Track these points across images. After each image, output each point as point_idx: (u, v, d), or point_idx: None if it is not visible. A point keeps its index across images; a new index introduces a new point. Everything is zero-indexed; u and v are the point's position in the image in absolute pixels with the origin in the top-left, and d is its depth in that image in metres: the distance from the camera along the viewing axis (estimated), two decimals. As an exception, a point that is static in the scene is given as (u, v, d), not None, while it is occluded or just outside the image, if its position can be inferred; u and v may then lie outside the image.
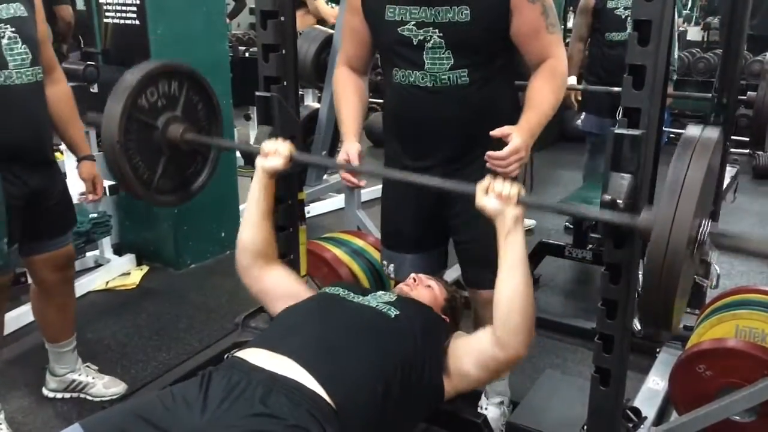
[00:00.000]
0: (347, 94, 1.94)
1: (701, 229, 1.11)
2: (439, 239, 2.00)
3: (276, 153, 1.68)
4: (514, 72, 1.89)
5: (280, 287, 1.71)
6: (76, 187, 2.47)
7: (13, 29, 1.96)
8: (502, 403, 2.09)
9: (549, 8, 1.72)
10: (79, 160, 2.29)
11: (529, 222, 4.15)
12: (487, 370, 1.53)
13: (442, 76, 1.74)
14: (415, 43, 1.73)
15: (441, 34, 1.70)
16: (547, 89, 1.73)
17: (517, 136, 1.62)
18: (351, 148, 1.82)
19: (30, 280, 2.33)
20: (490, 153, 1.61)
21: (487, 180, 1.45)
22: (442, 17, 1.68)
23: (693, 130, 1.14)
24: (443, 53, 1.72)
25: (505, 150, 1.60)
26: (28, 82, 1.99)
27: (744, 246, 1.13)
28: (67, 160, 3.05)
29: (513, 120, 1.70)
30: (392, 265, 2.06)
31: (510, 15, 1.69)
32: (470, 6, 1.66)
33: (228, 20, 5.95)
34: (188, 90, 1.81)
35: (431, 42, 1.71)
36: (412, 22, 1.71)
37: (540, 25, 1.71)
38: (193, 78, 1.84)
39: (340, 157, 1.97)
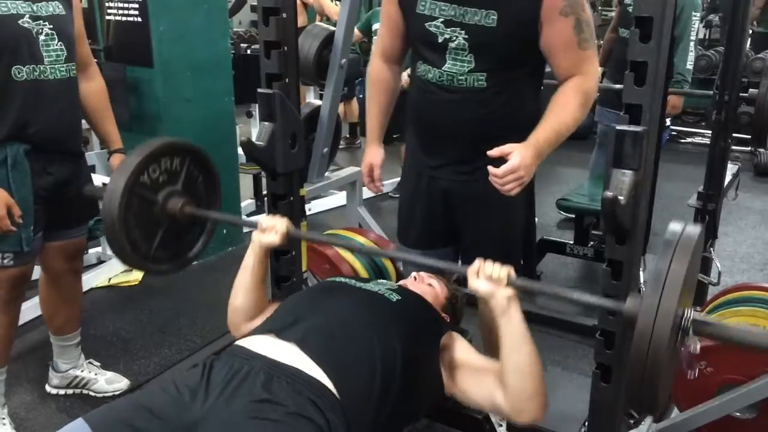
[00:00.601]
0: (376, 93, 2.02)
1: (685, 318, 1.16)
2: (447, 238, 1.99)
3: (273, 230, 1.68)
4: (539, 81, 1.84)
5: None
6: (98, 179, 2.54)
7: (51, 26, 2.03)
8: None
9: (584, 23, 1.65)
10: (110, 153, 2.37)
11: None
12: (498, 415, 1.54)
13: (460, 78, 1.73)
14: (439, 41, 1.72)
15: (466, 36, 1.68)
16: (566, 107, 1.67)
17: (517, 155, 1.55)
18: (375, 158, 2.02)
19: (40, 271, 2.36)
20: (490, 168, 1.57)
21: (477, 263, 1.43)
22: (469, 19, 1.66)
23: (675, 227, 1.20)
24: (465, 55, 1.70)
25: (502, 168, 1.55)
26: (61, 78, 2.07)
27: (724, 333, 1.19)
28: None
29: (529, 131, 1.64)
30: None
31: (539, 25, 1.64)
32: (498, 11, 1.63)
33: (229, 17, 5.93)
34: (190, 165, 1.85)
35: (455, 42, 1.70)
36: (441, 19, 1.70)
37: (571, 39, 1.64)
38: (195, 153, 1.87)
39: (364, 166, 2.06)
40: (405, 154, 2.06)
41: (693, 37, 3.16)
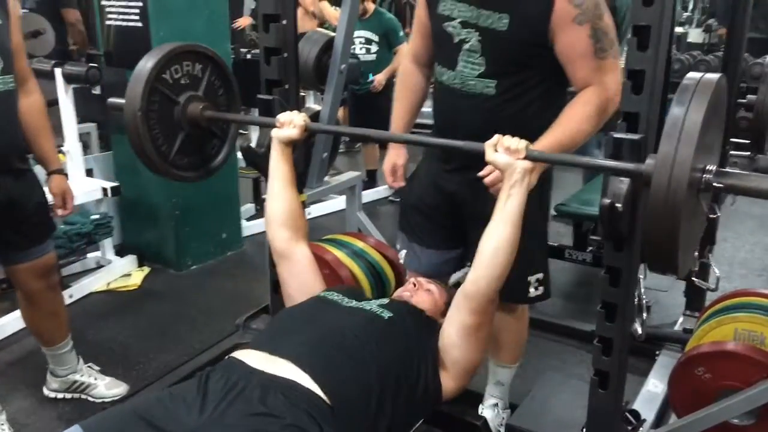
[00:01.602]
0: (403, 94, 2.05)
1: (705, 171, 1.09)
2: (454, 241, 1.98)
3: (291, 123, 1.71)
4: (557, 91, 1.79)
5: (305, 276, 1.73)
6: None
7: None
8: (496, 405, 2.09)
9: (602, 31, 1.60)
10: (48, 174, 2.25)
11: None
12: (464, 328, 1.51)
13: (470, 82, 1.74)
14: (455, 41, 1.74)
15: (479, 38, 1.69)
16: (573, 118, 1.65)
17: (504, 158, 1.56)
18: (399, 158, 2.06)
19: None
20: (484, 178, 1.60)
21: (495, 137, 1.46)
22: (483, 21, 1.68)
23: (693, 75, 1.13)
24: (477, 58, 1.72)
25: (492, 176, 1.58)
26: None
27: (749, 185, 1.12)
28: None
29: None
30: (404, 251, 2.07)
31: (551, 32, 1.62)
32: (510, 15, 1.64)
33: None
34: (211, 74, 1.88)
35: (469, 44, 1.71)
36: (458, 20, 1.72)
37: (586, 49, 1.61)
38: (217, 63, 1.91)
39: (387, 165, 2.09)
40: (424, 152, 2.08)
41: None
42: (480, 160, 1.72)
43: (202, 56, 1.86)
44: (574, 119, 1.65)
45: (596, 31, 1.60)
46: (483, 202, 1.75)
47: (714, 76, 1.14)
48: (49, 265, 2.24)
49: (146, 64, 1.73)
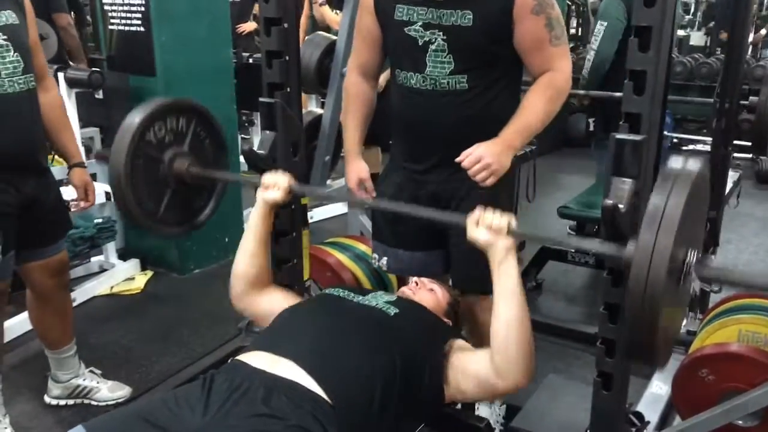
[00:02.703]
0: (354, 108, 2.03)
1: (687, 260, 1.09)
2: (437, 241, 1.98)
3: (275, 186, 1.70)
4: (518, 81, 1.90)
5: (275, 311, 1.69)
6: (70, 193, 2.47)
7: (5, 37, 1.95)
8: (493, 402, 2.10)
9: (555, 20, 1.72)
10: (70, 167, 2.29)
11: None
12: (486, 394, 1.55)
13: (442, 81, 1.76)
14: (420, 44, 1.75)
15: (445, 37, 1.72)
16: (537, 101, 1.75)
17: (482, 147, 1.67)
18: (361, 171, 2.02)
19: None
20: (461, 161, 1.68)
21: (477, 212, 1.45)
22: (446, 20, 1.70)
23: (675, 162, 1.14)
24: (445, 57, 1.74)
25: (467, 159, 1.67)
26: (20, 90, 1.99)
27: (728, 277, 1.13)
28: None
29: None
30: (385, 258, 2.07)
31: (512, 24, 1.70)
32: (473, 11, 1.68)
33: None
34: (196, 126, 1.87)
35: (435, 44, 1.74)
36: (419, 23, 1.74)
37: (543, 37, 1.72)
38: (201, 114, 1.90)
39: (352, 180, 2.05)
40: (389, 160, 2.07)
41: (594, 46, 3.19)
42: (453, 154, 1.77)
43: (186, 110, 1.85)
44: (539, 102, 1.75)
45: (550, 20, 1.71)
46: (466, 196, 1.83)
47: (695, 167, 1.13)
48: (62, 263, 2.28)
49: (130, 123, 1.72)
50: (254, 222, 1.74)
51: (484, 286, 1.64)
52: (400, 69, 1.85)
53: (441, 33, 1.72)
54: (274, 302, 1.72)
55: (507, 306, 1.44)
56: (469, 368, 1.51)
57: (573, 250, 3.44)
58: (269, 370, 1.36)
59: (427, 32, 1.74)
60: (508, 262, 1.43)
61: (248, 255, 1.74)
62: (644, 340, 1.09)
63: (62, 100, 2.25)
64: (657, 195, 1.08)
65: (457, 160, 1.68)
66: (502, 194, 1.81)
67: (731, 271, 1.13)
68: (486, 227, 1.43)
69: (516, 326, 1.43)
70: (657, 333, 1.08)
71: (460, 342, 1.64)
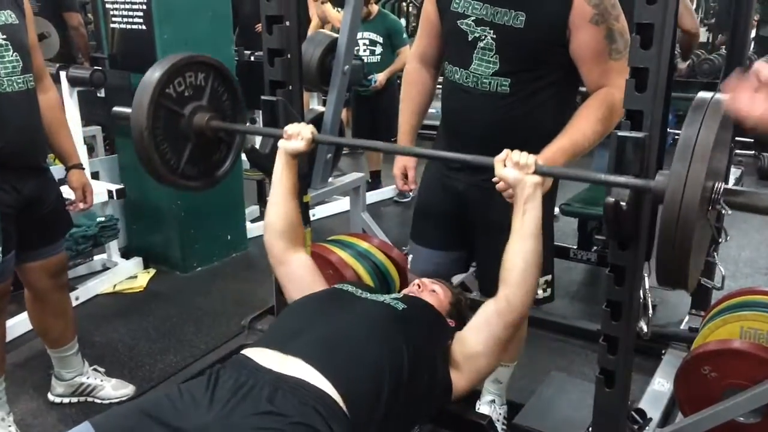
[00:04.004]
0: (411, 95, 2.02)
1: (714, 190, 1.12)
2: (460, 243, 1.98)
3: (299, 135, 1.70)
4: (570, 90, 1.81)
5: (303, 281, 1.71)
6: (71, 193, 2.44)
7: (4, 36, 1.95)
8: (493, 401, 2.10)
9: (618, 32, 1.61)
10: (68, 169, 2.27)
11: None
12: (494, 340, 1.50)
13: (484, 80, 1.73)
14: (469, 39, 1.73)
15: (494, 36, 1.69)
16: (587, 119, 1.65)
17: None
18: (408, 160, 2.03)
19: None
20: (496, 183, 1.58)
21: (504, 152, 1.45)
22: (499, 18, 1.67)
23: (704, 95, 1.16)
24: (492, 56, 1.71)
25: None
26: (19, 90, 1.98)
27: (757, 203, 1.15)
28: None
29: (551, 140, 1.64)
30: (410, 255, 2.09)
31: (568, 31, 1.63)
32: (527, 13, 1.64)
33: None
34: (214, 81, 1.90)
35: (484, 42, 1.71)
36: (472, 17, 1.71)
37: (602, 49, 1.62)
38: (219, 70, 1.92)
39: (397, 168, 2.07)
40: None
41: None
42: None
43: (203, 65, 1.88)
44: (588, 120, 1.66)
45: (612, 32, 1.61)
46: (492, 205, 1.75)
47: (723, 99, 1.16)
48: (61, 263, 2.27)
49: (150, 78, 1.75)
50: (279, 174, 1.74)
51: None
52: (449, 62, 1.83)
53: (491, 31, 1.69)
54: (304, 273, 1.72)
55: (527, 244, 1.45)
56: (475, 322, 1.53)
57: (574, 252, 3.44)
58: (276, 369, 1.36)
59: (479, 28, 1.70)
60: (536, 199, 1.44)
61: (276, 204, 1.73)
62: (677, 264, 1.12)
63: (60, 101, 2.24)
64: (689, 126, 1.11)
65: (494, 180, 1.56)
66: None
67: (760, 196, 1.15)
68: (513, 165, 1.44)
69: (534, 263, 1.46)
70: (689, 257, 1.11)
71: (458, 335, 1.63)
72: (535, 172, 1.43)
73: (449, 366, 1.55)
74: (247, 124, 5.13)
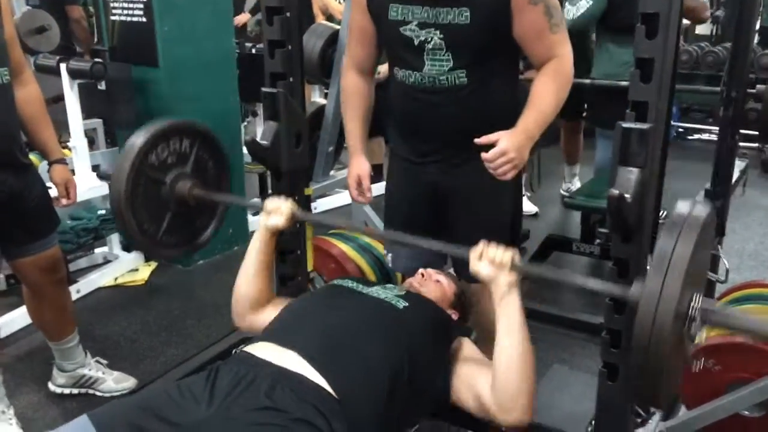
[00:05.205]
0: (354, 106, 2.01)
1: (692, 305, 1.10)
2: (436, 231, 1.98)
3: (278, 211, 1.69)
4: (516, 71, 1.90)
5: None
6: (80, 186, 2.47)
7: None
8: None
9: (553, 7, 1.70)
10: (50, 164, 2.23)
11: (532, 208, 4.23)
12: (484, 416, 1.48)
13: (441, 78, 1.75)
14: (416, 44, 1.73)
15: (441, 36, 1.70)
16: (548, 90, 1.72)
17: (505, 140, 1.62)
18: (362, 169, 1.99)
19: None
20: (483, 154, 1.62)
21: (480, 246, 1.44)
22: (442, 18, 1.68)
23: (682, 207, 1.16)
24: (443, 54, 1.72)
25: (491, 152, 1.62)
26: None
27: (734, 322, 1.13)
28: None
29: (513, 119, 1.70)
30: (390, 254, 2.10)
31: (511, 17, 1.68)
32: (470, 8, 1.66)
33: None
34: (199, 147, 1.85)
35: (432, 43, 1.72)
36: (414, 22, 1.71)
37: (543, 25, 1.69)
38: (206, 136, 1.87)
39: (351, 178, 2.04)
40: (390, 152, 2.07)
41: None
42: (453, 146, 1.78)
43: (189, 131, 1.83)
44: (550, 90, 1.73)
45: (549, 8, 1.69)
46: (464, 184, 1.83)
47: (703, 212, 1.15)
48: (53, 259, 2.23)
49: (133, 143, 1.70)
50: (256, 247, 1.73)
51: None
52: (399, 67, 1.83)
53: (437, 32, 1.70)
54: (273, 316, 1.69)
55: (509, 341, 1.40)
56: (474, 386, 1.48)
57: (577, 245, 3.43)
58: (275, 361, 1.35)
59: (423, 31, 1.71)
60: (511, 297, 1.40)
61: (250, 278, 1.71)
62: (650, 387, 1.11)
63: (41, 95, 2.18)
64: (665, 239, 1.10)
65: (478, 141, 1.64)
66: (505, 192, 1.79)
67: (737, 317, 1.13)
68: (489, 261, 1.41)
69: (517, 364, 1.39)
70: (663, 380, 1.10)
71: (466, 344, 1.61)
72: (512, 268, 1.40)
73: (453, 370, 1.52)
74: (249, 118, 5.15)
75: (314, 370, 1.34)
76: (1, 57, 1.97)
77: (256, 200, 1.79)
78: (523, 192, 2.37)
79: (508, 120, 1.70)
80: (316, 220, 1.84)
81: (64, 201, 2.28)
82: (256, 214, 4.15)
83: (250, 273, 1.72)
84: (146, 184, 1.72)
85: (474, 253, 1.43)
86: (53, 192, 2.27)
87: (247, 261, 1.73)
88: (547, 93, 1.73)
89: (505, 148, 1.62)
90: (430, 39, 1.71)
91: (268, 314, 1.67)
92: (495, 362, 1.42)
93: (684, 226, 1.11)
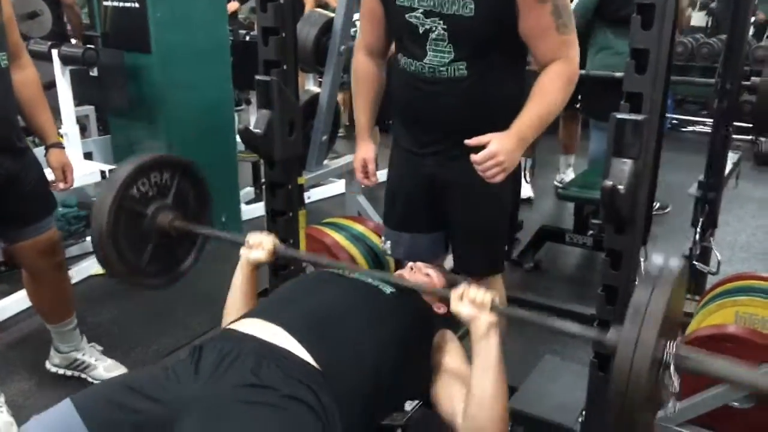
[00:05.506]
0: (364, 89, 2.02)
1: (666, 351, 1.16)
2: (433, 223, 2.00)
3: (260, 246, 1.71)
4: (521, 67, 1.86)
5: None
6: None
7: None
8: None
9: (562, 7, 1.66)
10: (47, 148, 2.24)
11: (528, 193, 4.26)
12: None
13: (441, 69, 1.74)
14: (420, 32, 1.72)
15: (445, 26, 1.68)
16: (548, 92, 1.69)
17: (496, 142, 1.60)
18: (368, 153, 2.03)
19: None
20: (471, 156, 1.61)
21: (461, 287, 1.44)
22: (447, 9, 1.67)
23: (657, 259, 1.22)
24: (445, 46, 1.71)
25: (480, 154, 1.60)
26: None
27: (707, 368, 1.19)
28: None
29: (513, 115, 1.68)
30: (389, 242, 2.09)
31: (516, 12, 1.65)
32: (475, 1, 1.64)
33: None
34: (180, 180, 1.87)
35: (435, 33, 1.70)
36: (420, 10, 1.70)
37: (549, 25, 1.65)
38: (186, 168, 1.89)
39: (357, 161, 2.05)
40: (392, 142, 2.06)
41: None
42: (451, 139, 1.77)
43: (170, 165, 1.85)
44: (550, 92, 1.69)
45: (558, 7, 1.64)
46: (462, 185, 1.82)
47: (677, 265, 1.22)
48: (51, 242, 2.23)
49: (115, 178, 1.73)
50: (239, 281, 1.75)
51: (483, 269, 1.62)
52: (402, 54, 1.83)
53: (441, 22, 1.68)
54: None
55: (484, 380, 1.39)
56: (450, 400, 1.48)
57: (570, 236, 3.44)
58: (259, 335, 1.35)
59: (428, 20, 1.70)
60: (490, 338, 1.40)
61: (234, 311, 1.71)
62: (626, 427, 1.18)
63: (38, 79, 2.19)
64: (640, 292, 1.16)
65: (468, 142, 1.62)
66: (503, 185, 1.75)
67: (711, 362, 1.19)
68: (470, 302, 1.41)
69: (489, 400, 1.38)
70: (639, 424, 1.17)
71: (450, 340, 1.61)
72: (492, 309, 1.40)
73: (435, 364, 1.54)
74: (242, 105, 5.13)
75: (299, 345, 1.33)
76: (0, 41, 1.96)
77: (237, 236, 1.81)
78: (523, 176, 2.38)
79: (508, 115, 1.68)
80: (297, 256, 1.86)
81: (61, 185, 2.28)
82: (249, 202, 4.15)
83: (237, 303, 1.74)
84: (128, 217, 1.74)
85: (455, 294, 1.44)
86: (50, 176, 2.27)
87: (232, 293, 1.75)
88: (546, 96, 1.69)
89: (494, 150, 1.59)
90: (434, 28, 1.70)
91: None
92: (468, 395, 1.41)
93: (659, 277, 1.17)
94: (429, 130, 1.86)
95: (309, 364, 1.31)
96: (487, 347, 1.40)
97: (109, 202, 1.69)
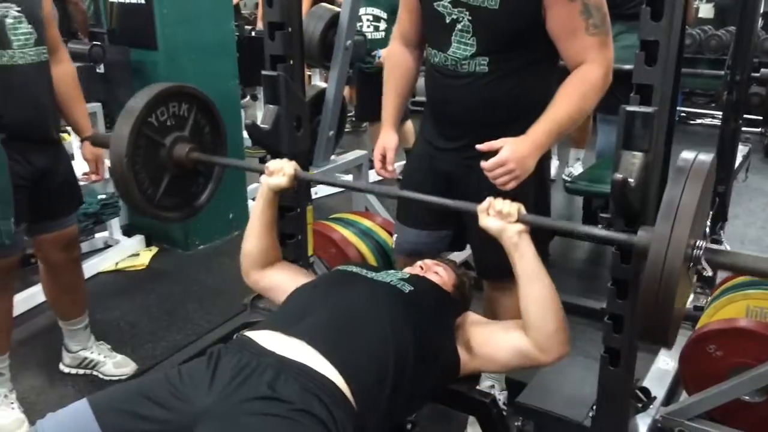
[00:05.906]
0: (394, 77, 1.99)
1: (696, 248, 1.18)
2: (446, 222, 1.96)
3: (281, 172, 1.71)
4: (549, 65, 1.77)
5: (283, 284, 1.72)
6: (82, 167, 2.47)
7: (18, 8, 1.94)
8: (493, 386, 2.10)
9: (594, 7, 1.57)
10: (82, 141, 2.30)
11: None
12: (526, 364, 1.55)
13: (463, 62, 1.71)
14: (447, 22, 1.70)
15: (470, 18, 1.66)
16: (570, 98, 1.62)
17: (507, 149, 1.55)
18: (389, 141, 1.95)
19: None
20: (481, 163, 1.59)
21: (487, 201, 1.46)
22: (474, 0, 1.64)
23: (687, 155, 1.22)
24: (469, 38, 1.68)
25: (490, 162, 1.57)
26: (31, 62, 1.99)
27: (738, 263, 1.19)
28: (74, 141, 3.05)
29: (534, 118, 1.62)
30: (396, 235, 2.09)
31: (543, 9, 1.60)
32: None
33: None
34: (197, 113, 1.89)
35: (461, 24, 1.68)
36: (448, 0, 1.68)
37: (577, 25, 1.58)
38: (203, 102, 1.91)
39: (377, 149, 2.00)
40: (418, 134, 2.05)
41: None
42: (471, 136, 1.72)
43: (187, 96, 1.87)
44: (570, 99, 1.62)
45: (587, 7, 1.57)
46: (479, 184, 1.73)
47: (707, 159, 1.22)
48: (72, 236, 2.30)
49: (133, 105, 1.73)
50: (260, 208, 1.76)
51: (502, 275, 1.59)
52: (429, 45, 1.82)
53: (467, 13, 1.65)
54: (283, 277, 1.76)
55: (532, 288, 1.45)
56: (504, 342, 1.54)
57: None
58: (279, 351, 1.34)
59: (455, 10, 1.67)
60: (523, 244, 1.43)
61: (254, 236, 1.77)
62: (659, 324, 1.18)
63: (75, 73, 2.25)
64: (672, 187, 1.17)
65: (479, 147, 1.58)
66: (525, 193, 1.67)
67: (739, 256, 1.19)
68: (496, 214, 1.44)
69: (548, 305, 1.45)
70: (671, 317, 1.16)
71: (472, 316, 1.65)
72: (519, 220, 1.43)
73: (458, 344, 1.55)
74: (247, 98, 5.13)
75: (321, 358, 1.33)
76: (39, 35, 2.01)
77: (258, 165, 1.83)
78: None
79: (530, 118, 1.62)
80: (317, 179, 1.86)
81: (94, 177, 2.37)
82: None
83: (255, 231, 1.77)
84: (146, 146, 1.75)
85: (481, 208, 1.47)
86: (84, 167, 2.35)
87: (252, 220, 1.78)
88: (568, 101, 1.61)
89: (505, 158, 1.55)
90: (460, 19, 1.67)
91: (273, 275, 1.77)
92: (523, 308, 1.47)
93: (690, 173, 1.18)
94: (449, 124, 1.84)
95: (328, 378, 1.30)
96: (524, 257, 1.44)
97: (129, 128, 1.70)
